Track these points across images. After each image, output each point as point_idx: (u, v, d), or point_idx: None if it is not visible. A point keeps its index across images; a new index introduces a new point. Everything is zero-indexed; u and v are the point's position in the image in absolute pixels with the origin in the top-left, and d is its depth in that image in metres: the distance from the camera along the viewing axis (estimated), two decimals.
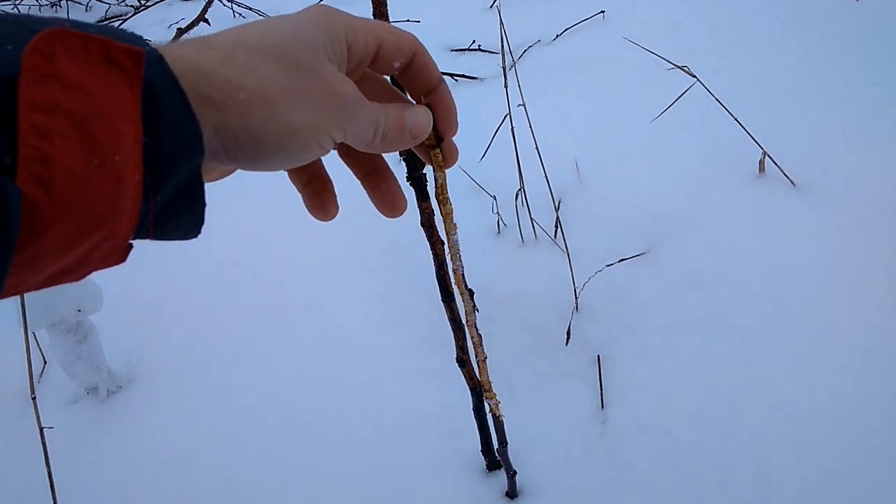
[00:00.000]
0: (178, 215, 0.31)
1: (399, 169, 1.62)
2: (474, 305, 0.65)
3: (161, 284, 1.50)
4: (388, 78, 0.44)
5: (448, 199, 0.51)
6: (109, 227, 0.27)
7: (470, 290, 0.64)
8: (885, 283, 1.12)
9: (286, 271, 1.47)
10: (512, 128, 1.22)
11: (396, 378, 1.22)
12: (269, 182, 1.71)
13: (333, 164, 0.44)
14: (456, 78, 1.95)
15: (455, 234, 0.55)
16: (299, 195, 0.42)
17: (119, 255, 0.30)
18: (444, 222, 0.54)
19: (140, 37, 0.29)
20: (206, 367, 1.30)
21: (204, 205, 0.32)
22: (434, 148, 0.44)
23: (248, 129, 0.31)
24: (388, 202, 0.42)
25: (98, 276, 1.20)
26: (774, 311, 1.12)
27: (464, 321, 0.87)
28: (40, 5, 3.41)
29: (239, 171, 0.37)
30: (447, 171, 0.46)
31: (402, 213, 0.42)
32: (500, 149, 1.39)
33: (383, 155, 0.44)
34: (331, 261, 1.47)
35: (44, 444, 0.78)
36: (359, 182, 0.43)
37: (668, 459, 1.00)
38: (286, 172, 0.42)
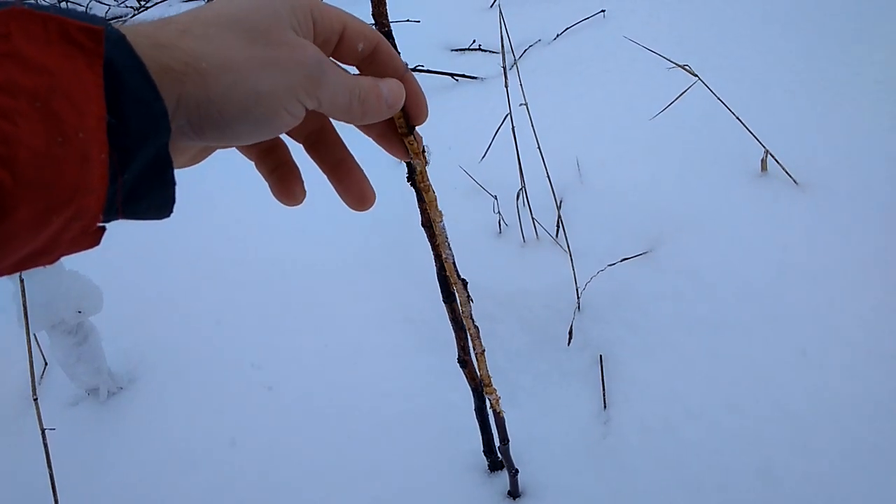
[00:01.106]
0: (149, 195, 0.30)
1: (397, 172, 1.62)
2: (468, 296, 0.65)
3: (161, 285, 1.50)
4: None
5: (430, 186, 0.52)
6: (77, 205, 0.26)
7: (463, 280, 0.63)
8: (888, 282, 1.11)
9: (286, 271, 1.47)
10: (513, 127, 1.22)
11: (397, 378, 1.21)
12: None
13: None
14: (456, 78, 1.95)
15: (441, 221, 0.55)
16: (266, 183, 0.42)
17: (91, 237, 0.29)
18: (429, 210, 0.54)
19: (101, 17, 0.29)
20: (207, 368, 1.30)
21: (173, 184, 0.31)
22: (407, 135, 0.44)
23: (210, 98, 0.31)
24: (356, 194, 0.42)
25: (98, 277, 1.20)
26: (776, 311, 1.12)
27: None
28: (6, 4, 3.39)
29: (237, 167, 0.37)
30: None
31: (370, 206, 0.42)
32: (501, 148, 1.39)
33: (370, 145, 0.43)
34: (331, 261, 1.47)
35: (45, 445, 0.77)
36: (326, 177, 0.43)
37: (670, 459, 1.00)
38: (253, 162, 0.42)
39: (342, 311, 1.36)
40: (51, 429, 0.82)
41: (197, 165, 0.39)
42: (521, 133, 1.23)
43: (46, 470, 0.82)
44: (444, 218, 0.59)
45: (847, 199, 1.25)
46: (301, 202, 0.41)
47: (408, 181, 0.78)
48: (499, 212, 1.37)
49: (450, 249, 0.62)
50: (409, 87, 0.40)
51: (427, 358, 1.23)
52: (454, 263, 0.65)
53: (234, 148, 0.41)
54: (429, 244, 0.83)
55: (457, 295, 0.66)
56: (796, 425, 0.97)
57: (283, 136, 0.41)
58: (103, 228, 0.30)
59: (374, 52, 0.39)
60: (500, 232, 1.40)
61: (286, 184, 0.41)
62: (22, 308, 0.90)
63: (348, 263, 1.45)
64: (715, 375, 1.07)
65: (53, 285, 1.13)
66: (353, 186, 0.42)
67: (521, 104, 1.15)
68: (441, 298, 0.84)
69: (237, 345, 1.33)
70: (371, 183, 0.42)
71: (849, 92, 1.49)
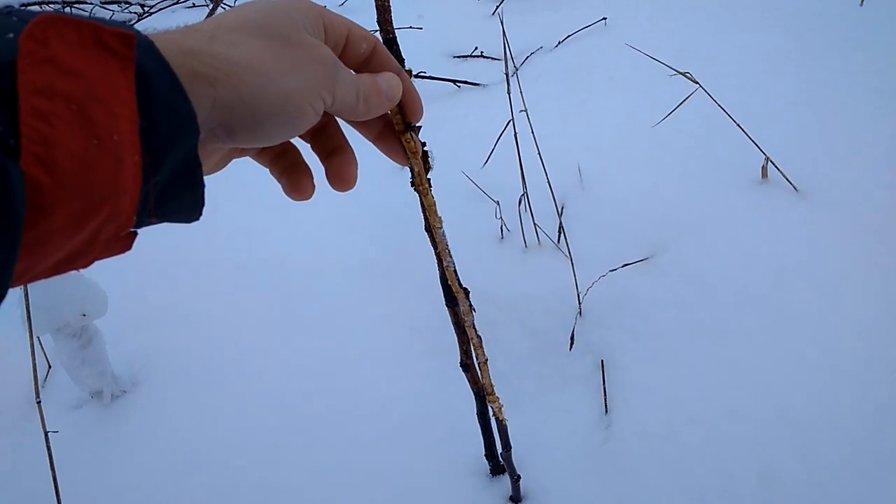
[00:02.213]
0: (179, 196, 0.31)
1: (401, 178, 1.62)
2: (471, 305, 0.65)
3: (165, 289, 1.50)
4: None
5: (428, 189, 0.51)
6: (112, 206, 0.27)
7: (465, 290, 0.63)
8: (889, 289, 1.12)
9: (290, 276, 1.47)
10: (515, 133, 1.22)
11: (400, 382, 1.22)
12: (272, 187, 1.72)
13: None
14: (459, 84, 1.96)
15: (441, 228, 0.55)
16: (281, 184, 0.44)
17: (124, 241, 0.31)
18: (429, 215, 0.53)
19: (130, 24, 0.30)
20: (211, 372, 1.31)
21: (203, 186, 0.32)
22: (404, 132, 0.45)
23: (242, 100, 0.32)
24: (342, 177, 0.43)
25: (102, 281, 1.21)
26: (778, 317, 1.12)
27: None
28: (42, 12, 3.42)
29: (242, 173, 0.38)
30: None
31: (350, 188, 0.43)
32: (503, 154, 1.40)
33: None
34: (335, 265, 1.47)
35: (48, 447, 0.78)
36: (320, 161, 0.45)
37: (672, 465, 1.00)
38: (267, 167, 0.43)
39: (346, 315, 1.36)
40: (54, 431, 0.82)
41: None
42: (523, 139, 1.24)
43: (50, 472, 0.82)
44: (444, 224, 0.59)
45: (847, 207, 1.26)
46: (310, 196, 0.43)
47: (411, 185, 0.79)
48: (501, 217, 1.38)
49: (450, 257, 0.62)
50: (403, 85, 0.42)
51: (430, 362, 1.23)
52: (455, 272, 0.65)
53: (246, 157, 0.43)
54: (433, 249, 0.83)
55: (460, 305, 0.66)
56: (797, 430, 0.97)
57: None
58: (135, 234, 0.31)
59: (372, 53, 0.41)
60: (502, 237, 1.41)
61: (297, 181, 0.42)
62: (25, 311, 0.91)
63: (352, 268, 1.46)
64: (716, 381, 1.08)
65: (58, 288, 1.13)
66: (342, 170, 0.43)
67: (521, 110, 1.16)
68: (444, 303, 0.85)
69: (241, 349, 1.34)
70: (358, 168, 0.44)
71: (849, 100, 1.50)
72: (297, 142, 0.44)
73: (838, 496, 0.89)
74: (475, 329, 0.71)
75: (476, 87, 1.95)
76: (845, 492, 0.90)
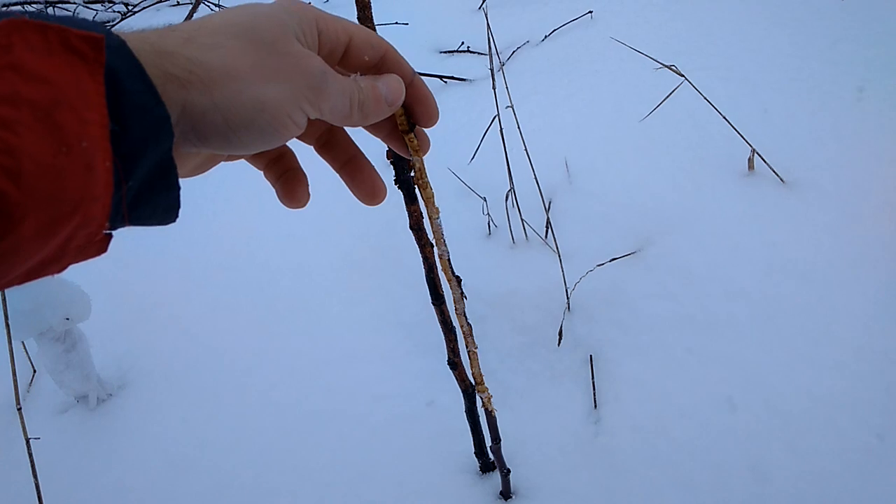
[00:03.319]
0: (153, 200, 0.30)
1: (387, 173, 1.61)
2: (462, 293, 0.64)
3: (151, 290, 1.49)
4: None
5: (427, 183, 0.52)
6: (83, 213, 0.26)
7: (457, 277, 0.63)
8: (877, 280, 1.12)
9: (277, 275, 1.46)
10: (501, 129, 1.22)
11: (388, 380, 1.21)
12: (258, 186, 1.70)
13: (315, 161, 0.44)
14: (445, 80, 1.95)
15: (438, 218, 0.55)
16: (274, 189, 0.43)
17: (98, 245, 0.29)
18: (427, 207, 0.54)
19: (102, 24, 0.29)
20: (198, 373, 1.30)
21: (178, 188, 0.31)
22: (408, 132, 0.45)
23: (215, 105, 0.31)
24: (368, 190, 0.42)
25: (86, 283, 1.19)
26: (766, 309, 1.12)
27: (454, 317, 0.87)
28: (26, 12, 3.38)
29: (226, 173, 0.37)
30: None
31: (381, 200, 0.42)
32: (490, 150, 1.39)
33: (366, 145, 0.43)
34: (322, 265, 1.46)
35: (30, 455, 0.77)
36: (338, 175, 0.43)
37: (663, 458, 1.00)
38: (262, 171, 0.42)
39: (333, 314, 1.36)
40: (35, 438, 0.81)
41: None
42: (510, 135, 1.23)
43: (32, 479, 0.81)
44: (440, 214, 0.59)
45: (834, 197, 1.26)
46: (305, 205, 0.41)
47: (395, 184, 0.78)
48: (488, 213, 1.37)
49: (445, 246, 0.62)
50: (418, 91, 0.41)
51: (418, 360, 1.23)
52: (449, 260, 0.65)
53: (240, 158, 0.41)
54: (418, 247, 0.83)
55: (450, 291, 0.66)
56: (788, 423, 0.97)
57: (296, 141, 0.41)
58: (110, 236, 0.30)
59: (381, 60, 0.39)
60: (490, 233, 1.40)
61: (291, 189, 0.41)
62: (3, 316, 0.90)
63: (339, 267, 1.45)
64: (706, 374, 1.08)
65: (40, 292, 1.12)
66: (365, 182, 0.42)
67: (507, 106, 1.15)
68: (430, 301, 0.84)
69: (229, 350, 1.33)
70: (380, 179, 0.42)
71: (835, 91, 1.50)
72: (299, 145, 0.42)
73: (829, 488, 0.90)
74: (466, 317, 0.70)
75: (463, 82, 1.94)
76: (836, 484, 0.90)
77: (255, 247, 1.54)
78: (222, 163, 0.41)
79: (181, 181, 0.32)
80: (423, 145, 0.45)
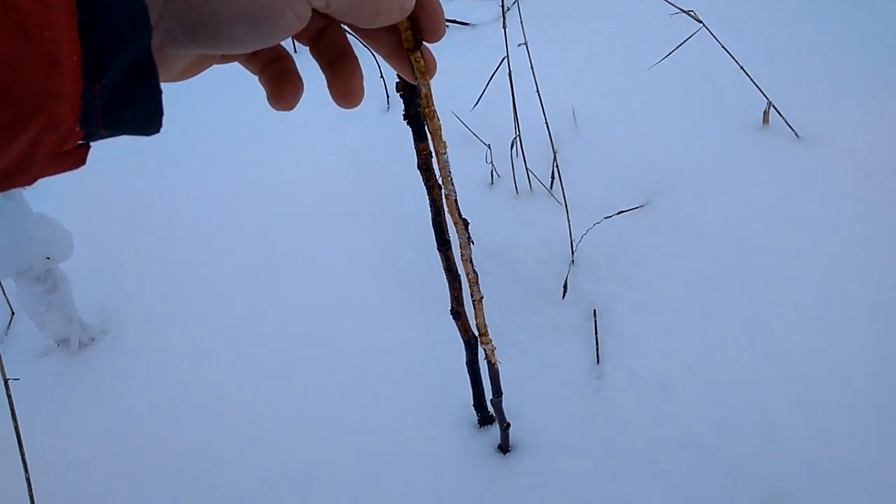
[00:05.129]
0: (131, 105, 0.27)
1: (384, 124, 1.53)
2: (469, 237, 0.60)
3: (138, 234, 1.43)
4: None
5: (435, 112, 0.47)
6: (48, 114, 0.23)
7: (464, 220, 0.59)
8: (891, 238, 1.09)
9: (271, 223, 1.40)
10: (509, 71, 1.15)
11: (385, 332, 1.17)
12: (254, 127, 1.63)
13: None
14: (447, 24, 1.86)
15: (445, 153, 0.50)
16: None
17: (74, 156, 0.26)
18: (433, 140, 0.50)
19: None
20: (185, 320, 1.25)
21: (159, 93, 0.27)
22: (413, 51, 0.39)
23: None
24: (345, 92, 0.37)
25: (68, 223, 1.13)
26: (777, 265, 1.09)
27: (459, 266, 0.83)
28: None
29: (220, 112, 0.32)
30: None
31: (356, 104, 0.38)
32: (494, 97, 1.33)
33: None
34: (318, 213, 1.41)
35: (9, 396, 0.72)
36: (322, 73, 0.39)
37: (667, 415, 0.97)
38: (256, 75, 0.38)
39: (329, 263, 1.31)
40: (14, 378, 0.76)
41: (171, 110, 0.34)
42: (516, 80, 1.17)
43: (12, 422, 0.77)
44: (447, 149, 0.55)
45: (849, 153, 1.22)
46: (293, 107, 0.37)
47: (404, 119, 0.73)
48: (491, 162, 1.32)
49: (452, 185, 0.58)
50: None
51: (417, 312, 1.19)
52: (456, 201, 0.60)
53: (233, 64, 0.37)
54: (424, 189, 0.77)
55: (457, 236, 0.61)
56: (799, 381, 0.95)
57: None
58: (87, 146, 0.26)
59: None
60: (492, 183, 1.35)
61: (281, 88, 0.37)
62: None
63: (336, 215, 1.39)
64: (713, 330, 1.04)
65: (20, 229, 1.06)
66: (347, 83, 0.37)
67: (520, 44, 1.09)
68: (436, 247, 0.79)
69: (219, 297, 1.28)
70: (363, 81, 0.38)
71: (853, 46, 1.44)
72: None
73: (838, 444, 0.88)
74: (472, 264, 0.66)
75: (465, 27, 1.85)
76: (845, 440, 0.88)
77: (249, 191, 1.48)
78: (214, 99, 0.36)
79: (173, 86, 0.29)
80: (430, 67, 0.40)
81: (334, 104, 0.40)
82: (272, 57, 0.37)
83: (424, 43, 0.39)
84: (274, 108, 0.37)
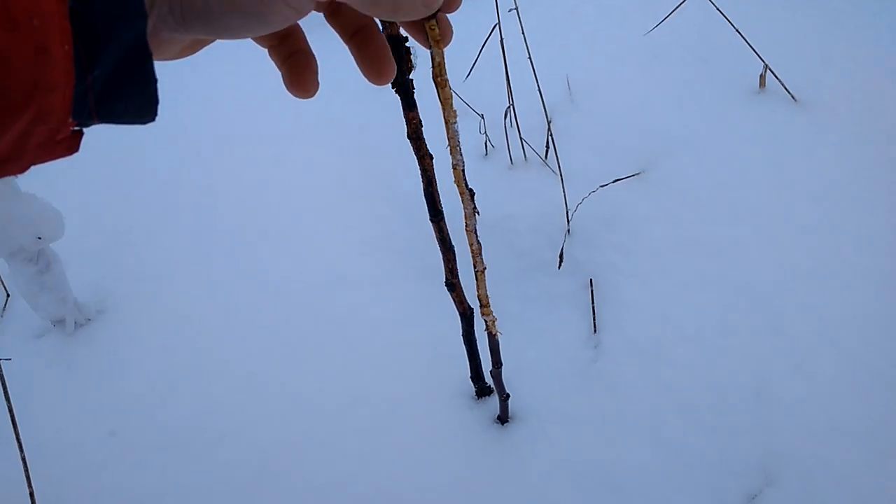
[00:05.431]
0: (126, 94, 0.26)
1: (375, 99, 1.50)
2: (475, 208, 0.59)
3: (128, 212, 1.42)
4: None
5: (447, 81, 0.46)
6: (38, 105, 0.22)
7: (470, 190, 0.58)
8: (887, 201, 1.08)
9: (263, 197, 1.39)
10: (501, 39, 1.13)
11: (381, 305, 1.17)
12: (244, 103, 1.61)
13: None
14: None
15: (455, 122, 0.50)
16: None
17: (65, 144, 0.25)
18: (443, 109, 0.49)
19: None
20: (180, 298, 1.24)
21: (154, 81, 0.26)
22: (429, 20, 0.38)
23: None
24: (375, 66, 0.36)
25: (60, 204, 1.12)
26: (774, 231, 1.08)
27: (453, 237, 0.82)
28: None
29: (208, 83, 0.30)
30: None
31: (389, 79, 0.36)
32: (488, 67, 1.30)
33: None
34: (310, 186, 1.39)
35: (2, 376, 0.72)
36: (348, 52, 0.37)
37: (664, 383, 0.97)
38: (266, 49, 0.36)
39: (324, 238, 1.30)
40: (6, 359, 0.76)
41: (164, 87, 0.33)
42: (509, 48, 1.15)
43: (5, 402, 0.76)
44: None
45: (847, 117, 1.21)
46: (314, 94, 0.36)
47: (392, 87, 0.71)
48: (485, 132, 1.30)
49: (461, 155, 0.57)
50: None
51: (412, 285, 1.18)
52: (463, 171, 0.60)
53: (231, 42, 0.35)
54: (414, 161, 0.76)
55: (462, 203, 0.61)
56: (794, 345, 0.95)
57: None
58: (80, 133, 0.25)
59: None
60: (486, 154, 1.33)
61: (299, 74, 0.35)
62: None
63: (329, 189, 1.38)
64: (708, 296, 1.04)
65: (8, 209, 1.05)
66: (374, 57, 0.36)
67: (510, 9, 1.07)
68: (428, 218, 0.79)
69: (213, 274, 1.27)
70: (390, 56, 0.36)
71: (850, 8, 1.42)
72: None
73: (834, 409, 0.88)
74: (476, 234, 0.66)
75: None
76: (841, 405, 0.88)
77: (239, 166, 1.47)
78: (205, 73, 0.35)
79: (168, 65, 0.27)
80: (446, 35, 0.38)
81: (326, 77, 0.38)
82: (283, 33, 0.35)
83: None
84: (294, 95, 0.36)
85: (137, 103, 0.26)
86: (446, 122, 0.50)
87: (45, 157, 0.25)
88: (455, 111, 0.49)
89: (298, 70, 0.35)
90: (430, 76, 0.50)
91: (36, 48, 0.21)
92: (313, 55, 0.36)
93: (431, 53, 0.42)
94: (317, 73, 0.36)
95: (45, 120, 0.23)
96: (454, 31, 0.40)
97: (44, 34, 0.21)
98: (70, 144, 0.25)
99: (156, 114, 0.27)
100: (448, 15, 0.38)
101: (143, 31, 0.24)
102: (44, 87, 0.22)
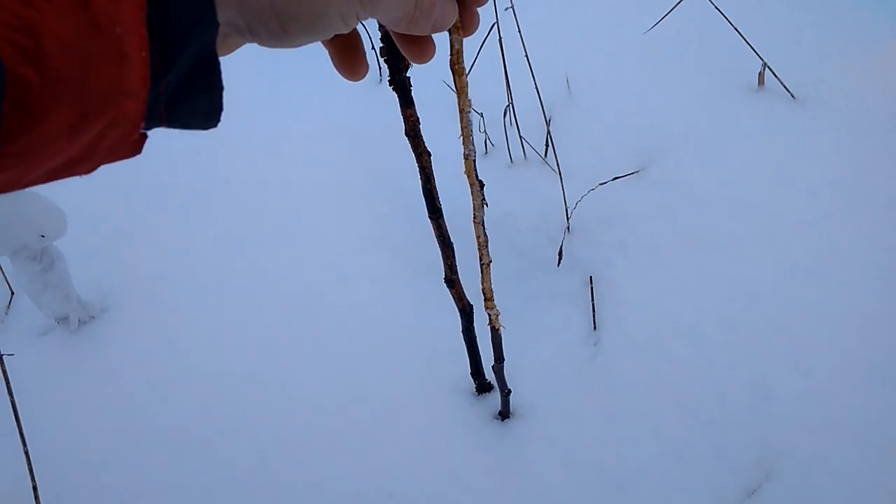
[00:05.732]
0: (193, 99, 0.27)
1: (375, 96, 1.51)
2: (483, 199, 0.60)
3: (131, 211, 1.43)
4: None
5: (464, 69, 0.46)
6: (115, 110, 0.23)
7: (480, 182, 0.59)
8: (885, 197, 1.08)
9: (261, 196, 1.40)
10: (500, 38, 1.14)
11: (381, 303, 1.17)
12: (245, 102, 1.61)
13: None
14: None
15: (469, 111, 0.50)
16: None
17: (132, 145, 0.26)
18: (459, 98, 0.49)
19: None
20: (183, 296, 1.25)
21: (222, 88, 0.27)
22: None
23: (273, 8, 0.27)
24: (349, 66, 0.38)
25: (63, 202, 1.13)
26: (772, 227, 1.09)
27: (451, 234, 0.83)
28: None
29: None
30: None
31: (362, 77, 0.38)
32: (486, 65, 1.31)
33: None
34: (310, 185, 1.40)
35: (5, 372, 0.73)
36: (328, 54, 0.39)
37: (663, 378, 0.98)
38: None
39: (324, 236, 1.30)
40: (9, 354, 0.77)
41: None
42: (507, 46, 1.15)
43: (9, 399, 0.77)
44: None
45: (845, 114, 1.21)
46: (363, 77, 0.38)
47: (390, 84, 0.72)
48: (485, 131, 1.31)
49: (473, 146, 0.57)
50: None
51: (412, 282, 1.19)
52: (475, 162, 0.60)
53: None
54: (412, 157, 0.77)
55: (472, 195, 0.61)
56: (792, 341, 0.95)
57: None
58: (145, 136, 0.26)
59: None
60: (486, 152, 1.34)
61: (350, 57, 0.37)
62: None
63: (329, 188, 1.39)
64: (707, 293, 1.05)
65: (10, 208, 1.05)
66: (351, 55, 0.38)
67: (507, 8, 1.07)
68: (427, 215, 0.79)
69: (214, 272, 1.28)
70: (366, 56, 0.38)
71: (847, 4, 1.42)
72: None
73: (832, 405, 0.88)
74: (484, 227, 0.66)
75: None
76: (839, 400, 0.88)
77: (239, 165, 1.47)
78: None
79: None
80: (470, 23, 0.39)
81: (326, 76, 0.40)
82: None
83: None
84: (345, 78, 0.38)
85: (204, 109, 0.28)
86: (461, 111, 0.51)
87: (112, 159, 0.26)
88: (470, 100, 0.49)
89: (349, 53, 0.37)
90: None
91: (118, 54, 0.22)
92: (361, 39, 0.38)
93: (451, 41, 0.43)
94: (365, 55, 0.38)
95: (120, 123, 0.24)
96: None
97: (125, 41, 0.22)
98: (135, 147, 0.26)
99: (219, 120, 0.29)
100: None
101: (214, 39, 0.26)
102: (122, 92, 0.23)
